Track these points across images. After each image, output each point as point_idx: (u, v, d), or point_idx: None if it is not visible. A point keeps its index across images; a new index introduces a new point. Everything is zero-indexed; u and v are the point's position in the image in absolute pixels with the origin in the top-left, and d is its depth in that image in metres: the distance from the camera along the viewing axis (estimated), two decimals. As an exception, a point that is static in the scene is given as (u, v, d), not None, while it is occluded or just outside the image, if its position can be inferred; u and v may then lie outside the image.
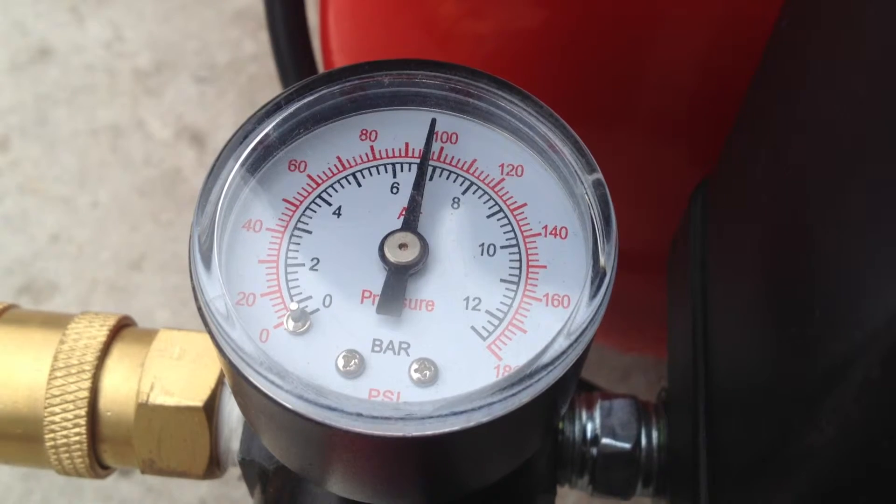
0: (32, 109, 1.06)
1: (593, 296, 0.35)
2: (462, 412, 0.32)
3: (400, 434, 0.32)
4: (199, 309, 0.34)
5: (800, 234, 0.33)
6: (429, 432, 0.32)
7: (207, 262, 0.35)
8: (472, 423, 0.33)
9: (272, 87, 0.81)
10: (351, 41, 0.62)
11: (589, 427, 0.48)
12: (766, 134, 0.39)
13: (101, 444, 0.48)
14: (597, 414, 0.48)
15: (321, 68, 0.68)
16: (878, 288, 0.26)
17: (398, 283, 0.36)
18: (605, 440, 0.48)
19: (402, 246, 0.37)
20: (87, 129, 1.05)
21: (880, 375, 0.26)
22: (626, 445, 0.47)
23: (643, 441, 0.47)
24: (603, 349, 0.89)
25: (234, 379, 0.35)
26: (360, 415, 0.32)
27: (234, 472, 0.50)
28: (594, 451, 0.48)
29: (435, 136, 0.40)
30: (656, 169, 0.58)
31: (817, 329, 0.29)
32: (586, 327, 0.34)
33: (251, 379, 0.33)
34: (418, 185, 0.38)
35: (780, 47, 0.39)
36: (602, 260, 0.35)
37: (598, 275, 0.35)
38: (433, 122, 0.40)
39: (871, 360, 0.26)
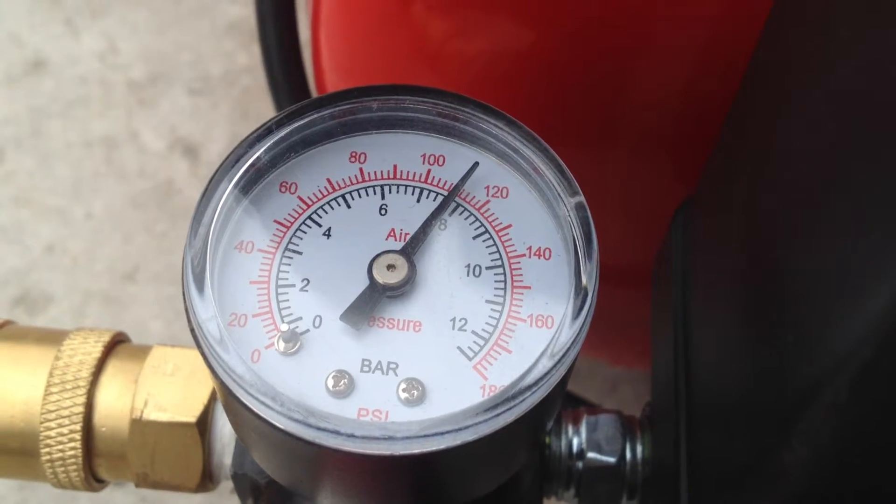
0: (27, 121, 1.07)
1: (576, 315, 0.35)
2: (448, 432, 0.33)
3: (388, 453, 0.33)
4: (192, 330, 0.35)
5: (774, 258, 0.33)
6: (416, 451, 0.33)
7: (200, 284, 0.36)
8: (458, 442, 0.33)
9: (265, 100, 0.82)
10: (342, 60, 0.63)
11: (575, 441, 0.49)
12: (744, 159, 0.40)
13: (96, 459, 0.49)
14: (583, 429, 0.49)
15: (312, 85, 0.69)
16: (846, 314, 0.27)
17: (371, 300, 0.37)
18: (590, 454, 0.48)
19: (391, 267, 0.38)
20: (81, 141, 1.06)
21: (849, 398, 0.27)
22: (611, 459, 0.48)
23: (628, 455, 0.48)
24: (592, 361, 0.89)
25: (226, 398, 0.36)
26: (350, 435, 0.33)
27: (228, 484, 0.51)
28: (580, 465, 0.48)
29: (422, 158, 0.41)
30: (643, 187, 0.59)
31: (790, 352, 0.30)
32: (569, 347, 0.35)
33: (243, 399, 0.34)
34: (434, 218, 0.39)
35: (757, 76, 0.40)
36: (584, 279, 0.36)
37: (580, 294, 0.36)
38: (475, 165, 0.40)
39: (840, 383, 0.27)
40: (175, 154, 1.06)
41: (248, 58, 1.12)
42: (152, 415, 0.48)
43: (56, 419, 0.47)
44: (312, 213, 0.40)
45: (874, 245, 0.27)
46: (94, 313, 0.96)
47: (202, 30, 1.15)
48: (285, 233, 0.39)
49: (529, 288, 0.38)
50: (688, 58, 0.53)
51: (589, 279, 0.36)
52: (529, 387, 0.34)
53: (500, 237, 0.39)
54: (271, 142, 0.40)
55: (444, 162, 0.41)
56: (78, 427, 0.47)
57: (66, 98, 1.09)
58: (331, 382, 0.35)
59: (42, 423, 0.47)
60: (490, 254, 0.39)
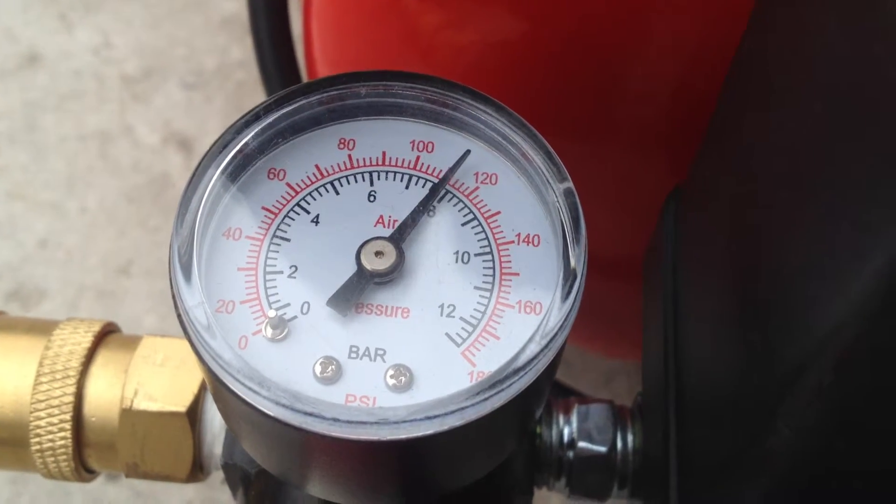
0: (21, 115, 1.07)
1: (564, 298, 0.35)
2: (435, 416, 0.33)
3: (375, 438, 0.33)
4: (179, 316, 0.35)
5: (760, 245, 0.33)
6: (403, 436, 0.33)
7: (187, 271, 0.36)
8: (445, 427, 0.33)
9: (259, 94, 0.82)
10: (334, 51, 0.63)
11: (566, 431, 0.49)
12: (732, 147, 0.40)
13: (86, 449, 0.49)
14: (574, 418, 0.49)
15: (304, 77, 0.69)
16: (829, 297, 0.27)
17: (358, 286, 0.37)
18: (581, 444, 0.48)
19: (379, 253, 0.38)
20: (75, 135, 1.06)
21: (833, 380, 0.27)
22: (602, 449, 0.48)
23: (619, 445, 0.48)
24: (587, 354, 0.89)
25: (214, 385, 0.36)
26: (336, 420, 0.33)
27: (219, 475, 0.50)
28: (571, 454, 0.48)
29: (411, 145, 0.41)
30: (635, 177, 0.59)
31: (775, 336, 0.30)
32: (557, 332, 0.35)
33: (230, 385, 0.34)
34: (424, 205, 0.39)
35: (744, 66, 0.40)
36: (573, 261, 0.36)
37: (568, 277, 0.36)
38: (466, 152, 0.40)
39: (825, 365, 0.27)
40: (169, 148, 1.05)
41: (242, 52, 1.12)
42: (142, 404, 0.48)
43: (46, 409, 0.47)
44: (301, 200, 0.40)
45: (857, 227, 0.26)
46: (87, 307, 0.96)
47: (196, 24, 1.14)
48: (273, 219, 0.39)
49: (518, 275, 0.38)
50: (680, 49, 0.53)
51: (577, 262, 0.36)
52: (517, 371, 0.34)
53: (488, 224, 0.39)
54: (259, 128, 0.39)
55: (433, 148, 0.41)
56: (68, 417, 0.47)
57: (59, 92, 1.09)
58: (318, 369, 0.35)
59: (32, 412, 0.47)
60: (479, 241, 0.39)
